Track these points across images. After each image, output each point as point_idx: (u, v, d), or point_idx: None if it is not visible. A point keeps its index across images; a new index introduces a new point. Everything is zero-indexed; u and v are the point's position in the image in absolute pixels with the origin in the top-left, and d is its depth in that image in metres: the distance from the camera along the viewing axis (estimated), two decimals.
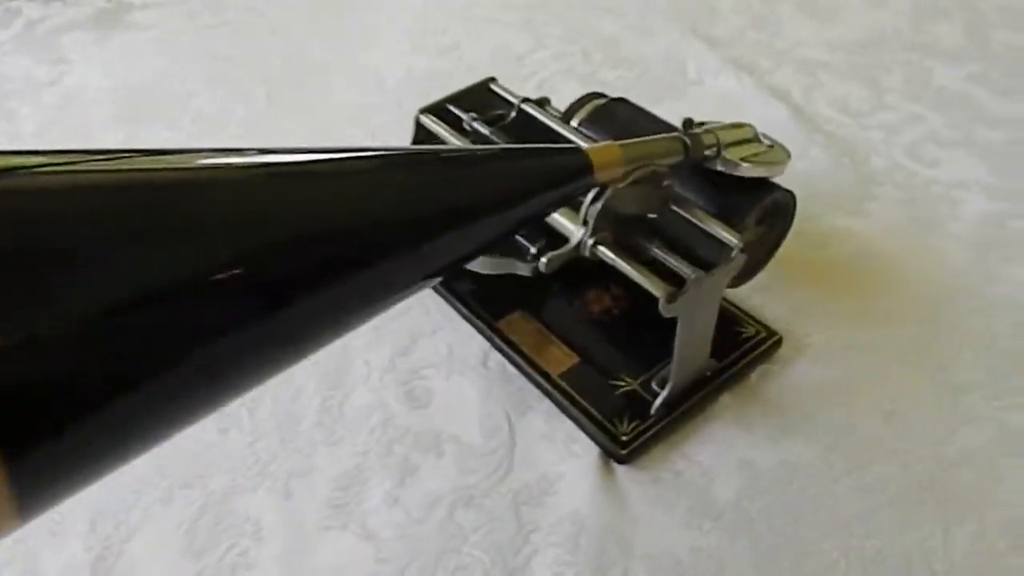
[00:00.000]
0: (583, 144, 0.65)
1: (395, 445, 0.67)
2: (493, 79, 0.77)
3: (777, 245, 0.71)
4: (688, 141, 0.60)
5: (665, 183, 0.61)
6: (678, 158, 0.60)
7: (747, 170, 0.63)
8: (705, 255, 0.63)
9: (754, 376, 0.70)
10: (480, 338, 0.74)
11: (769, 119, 0.96)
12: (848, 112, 0.99)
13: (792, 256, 0.79)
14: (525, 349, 0.71)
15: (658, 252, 0.60)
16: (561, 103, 0.76)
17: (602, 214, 0.58)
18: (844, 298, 0.77)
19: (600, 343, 0.72)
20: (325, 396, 0.71)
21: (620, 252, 0.58)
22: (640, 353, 0.70)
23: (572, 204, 0.61)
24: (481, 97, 0.76)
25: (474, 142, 0.72)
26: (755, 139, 0.65)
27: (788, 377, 0.70)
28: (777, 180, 0.66)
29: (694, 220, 0.61)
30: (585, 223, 0.59)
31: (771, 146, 0.66)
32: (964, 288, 0.77)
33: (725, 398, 0.68)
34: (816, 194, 0.87)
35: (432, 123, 0.73)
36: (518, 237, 0.67)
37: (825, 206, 0.86)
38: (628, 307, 0.74)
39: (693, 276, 0.57)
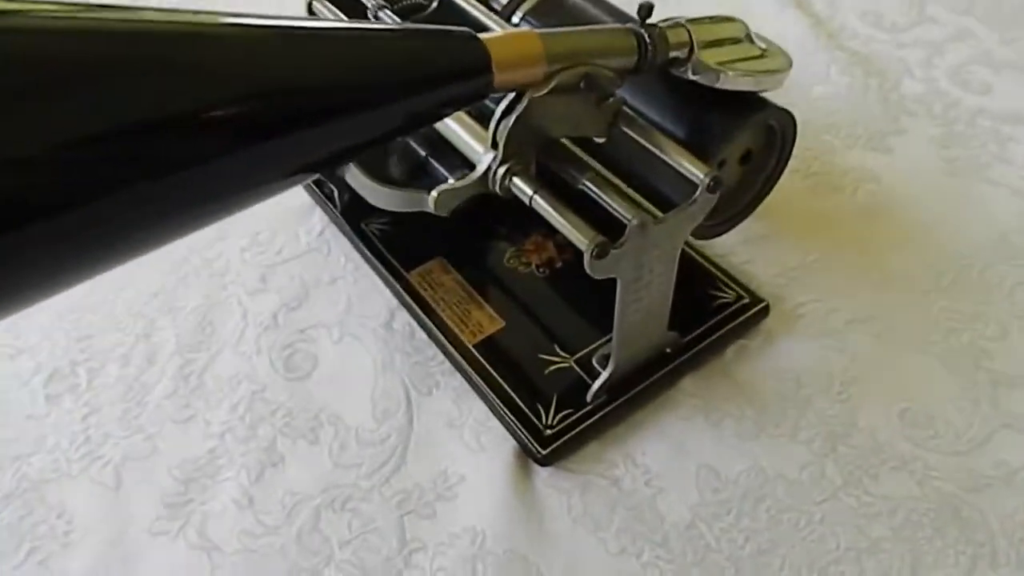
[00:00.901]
0: (497, 29, 0.48)
1: (261, 425, 0.52)
2: None
3: (769, 185, 0.54)
4: (645, 36, 0.43)
5: (612, 96, 0.44)
6: (629, 60, 0.43)
7: (729, 80, 0.46)
8: (663, 194, 0.47)
9: (729, 354, 0.55)
10: (388, 292, 0.59)
11: (782, 32, 0.78)
12: (881, 26, 0.80)
13: (791, 201, 0.62)
14: (438, 308, 0.56)
15: (590, 187, 0.43)
16: None
17: (516, 133, 0.42)
18: (853, 258, 0.60)
19: (535, 305, 0.56)
20: (185, 360, 0.56)
21: (542, 188, 0.42)
22: (584, 320, 0.55)
23: (481, 119, 0.45)
24: None
25: None
26: (745, 40, 0.48)
27: (772, 357, 0.54)
28: (773, 98, 0.49)
29: (649, 147, 0.45)
30: (494, 145, 0.43)
31: (765, 50, 0.49)
32: (1011, 251, 0.60)
33: (687, 383, 0.53)
34: (831, 124, 0.70)
35: (326, 10, 0.56)
36: (436, 165, 0.52)
37: (841, 139, 0.69)
38: (576, 259, 0.58)
39: (635, 221, 0.41)
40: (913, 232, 0.62)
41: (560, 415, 0.50)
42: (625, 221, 0.42)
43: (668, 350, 0.53)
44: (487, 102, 0.43)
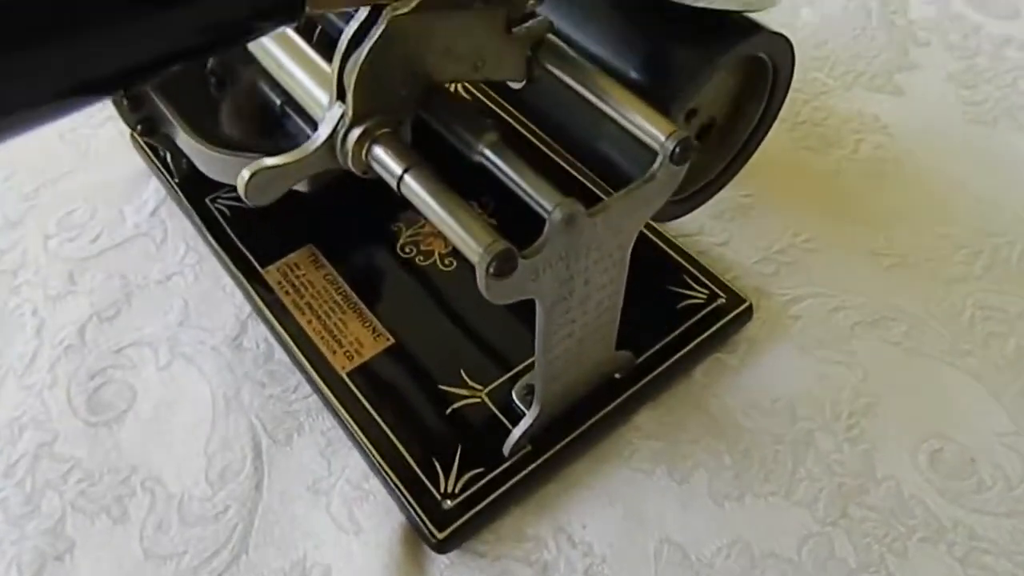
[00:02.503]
0: None
1: (45, 495, 0.37)
2: None
3: (754, 141, 0.40)
4: None
5: (530, 17, 0.29)
6: None
7: None
8: (608, 164, 0.32)
9: (699, 375, 0.40)
10: (238, 294, 0.43)
11: None
12: None
13: (776, 159, 0.48)
14: (303, 319, 0.41)
15: (490, 159, 0.28)
16: None
17: (374, 74, 0.26)
18: (857, 235, 0.46)
19: (436, 313, 0.41)
20: None
21: (418, 163, 0.27)
22: (504, 335, 0.40)
23: (329, 48, 0.29)
24: None
25: None
26: None
27: (757, 377, 0.40)
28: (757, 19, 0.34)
29: (586, 94, 0.30)
30: (341, 95, 0.27)
31: None
32: None
33: (644, 419, 0.39)
34: (823, 58, 0.55)
35: None
36: (296, 119, 0.36)
37: (837, 78, 0.54)
38: None
39: (556, 214, 0.26)
40: (932, 199, 0.48)
41: (466, 476, 0.35)
42: (542, 212, 0.26)
43: (617, 375, 0.38)
44: (333, 19, 0.27)
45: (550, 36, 0.30)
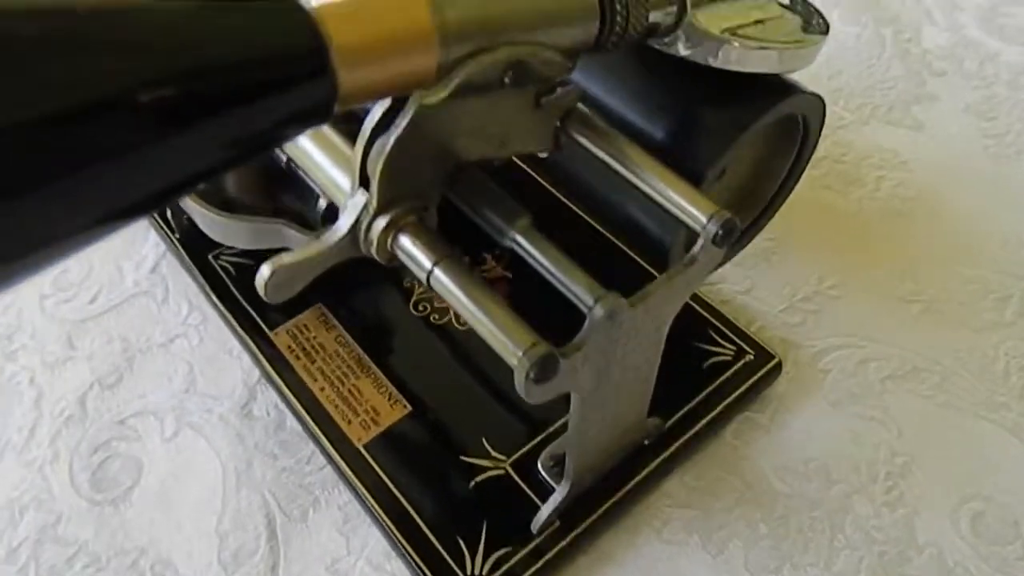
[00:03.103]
0: None
1: None
2: None
3: (784, 193, 0.38)
4: None
5: (559, 87, 0.27)
6: (585, 31, 0.26)
7: (738, 56, 0.29)
8: (645, 233, 0.31)
9: (729, 435, 0.39)
10: (246, 358, 0.42)
11: None
12: None
13: (797, 200, 0.46)
14: (315, 386, 0.39)
15: (523, 246, 0.26)
16: None
17: (400, 162, 0.24)
18: (882, 279, 0.45)
19: (454, 377, 0.40)
20: None
21: (448, 255, 0.25)
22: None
23: (348, 124, 0.27)
24: None
25: None
26: None
27: (789, 437, 0.39)
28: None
29: (617, 167, 0.28)
30: (364, 182, 0.25)
31: (789, 4, 0.32)
32: None
33: (674, 486, 0.37)
34: (839, 90, 0.54)
35: None
36: (304, 178, 0.35)
37: (854, 111, 0.53)
38: (512, 296, 0.41)
39: (599, 311, 0.25)
40: (957, 239, 0.46)
41: (493, 557, 0.34)
42: (580, 307, 0.25)
43: (647, 441, 0.37)
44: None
45: (579, 105, 0.28)
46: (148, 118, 0.17)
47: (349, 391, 0.39)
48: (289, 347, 0.40)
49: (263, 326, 0.41)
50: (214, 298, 0.42)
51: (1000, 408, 0.40)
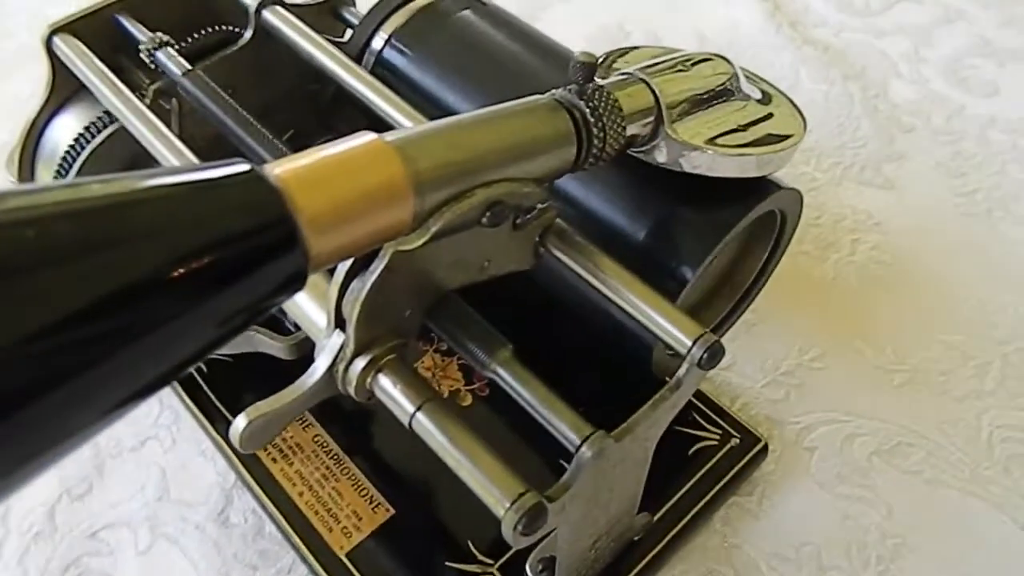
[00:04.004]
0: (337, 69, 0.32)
1: None
2: None
3: (760, 282, 0.38)
4: (587, 112, 0.26)
5: (539, 211, 0.27)
6: (562, 156, 0.26)
7: (717, 163, 0.29)
8: (626, 346, 0.30)
9: (718, 522, 0.38)
10: (220, 459, 0.40)
11: (733, 22, 0.61)
12: (852, 7, 0.64)
13: (775, 272, 0.46)
14: (293, 491, 0.38)
15: (504, 378, 0.26)
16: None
17: (377, 303, 0.23)
18: (863, 348, 0.45)
19: (434, 473, 0.39)
20: None
21: (432, 398, 0.24)
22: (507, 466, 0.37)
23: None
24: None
25: (159, 91, 0.36)
26: (732, 88, 0.31)
27: (777, 520, 0.39)
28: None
29: (596, 283, 0.27)
30: (340, 323, 0.24)
31: (764, 99, 0.32)
32: None
33: None
34: (809, 150, 0.54)
35: (74, 55, 0.35)
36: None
37: (825, 171, 0.53)
38: (496, 389, 0.41)
39: (587, 453, 0.24)
40: (934, 304, 0.46)
41: None
42: (568, 447, 0.24)
43: (636, 537, 0.36)
44: None
45: (558, 221, 0.28)
46: (123, 319, 0.16)
47: (329, 494, 0.38)
48: (265, 448, 0.39)
49: None
50: (185, 398, 0.41)
51: (987, 483, 0.40)
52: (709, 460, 0.39)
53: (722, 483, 0.38)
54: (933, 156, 0.53)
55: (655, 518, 0.37)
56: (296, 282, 0.19)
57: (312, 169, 0.19)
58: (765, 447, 0.40)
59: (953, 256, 0.49)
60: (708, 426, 0.40)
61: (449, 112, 0.37)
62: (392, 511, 0.37)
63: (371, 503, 0.37)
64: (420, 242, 0.22)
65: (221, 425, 0.40)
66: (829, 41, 0.61)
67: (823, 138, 0.54)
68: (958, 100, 0.57)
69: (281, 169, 0.19)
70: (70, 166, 0.37)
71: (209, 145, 0.36)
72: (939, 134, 0.55)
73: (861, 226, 0.50)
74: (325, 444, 0.39)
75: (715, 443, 0.39)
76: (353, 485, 0.38)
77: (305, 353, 0.36)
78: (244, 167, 0.18)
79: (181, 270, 0.17)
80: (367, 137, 0.21)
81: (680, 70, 0.29)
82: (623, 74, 0.28)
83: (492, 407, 0.40)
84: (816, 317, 0.46)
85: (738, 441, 0.39)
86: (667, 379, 0.32)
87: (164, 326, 0.17)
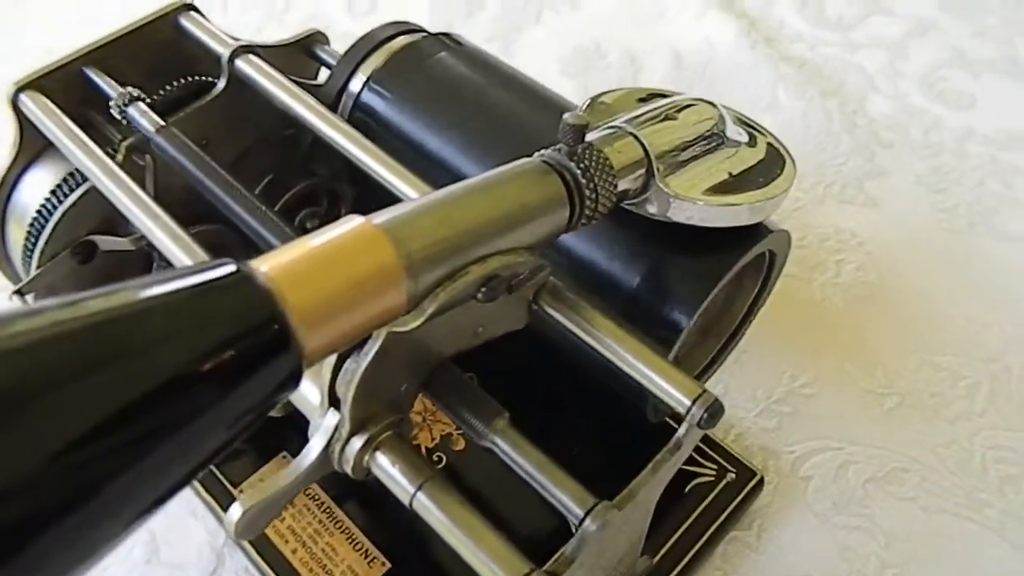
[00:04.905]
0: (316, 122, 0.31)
1: None
2: (189, 6, 0.39)
3: (749, 319, 0.38)
4: (578, 174, 0.25)
5: (535, 271, 0.26)
6: (555, 220, 0.25)
7: (709, 214, 0.28)
8: (624, 404, 0.30)
9: (717, 560, 0.38)
10: (211, 520, 0.39)
11: (709, 41, 0.61)
12: (826, 22, 0.64)
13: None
14: (286, 549, 0.37)
15: (502, 449, 0.25)
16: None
17: (373, 382, 0.23)
18: (853, 373, 0.45)
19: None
20: None
21: (432, 475, 0.24)
22: (511, 538, 0.37)
23: None
24: (158, 48, 0.38)
25: (132, 148, 0.35)
26: (717, 135, 0.31)
27: (777, 554, 0.38)
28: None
29: (589, 340, 0.27)
30: (333, 401, 0.24)
31: (751, 144, 0.31)
32: None
33: None
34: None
35: (42, 113, 0.34)
36: None
37: (807, 191, 0.53)
38: None
39: (591, 526, 0.23)
40: (920, 323, 0.47)
41: None
42: (571, 520, 0.24)
43: None
44: None
45: (551, 279, 0.27)
46: (128, 434, 0.16)
47: (323, 550, 0.37)
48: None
49: (225, 483, 0.39)
50: None
51: (983, 506, 0.40)
52: (706, 497, 0.39)
53: (720, 520, 0.38)
54: (913, 171, 0.54)
55: (655, 559, 0.36)
56: (293, 380, 0.19)
57: (300, 262, 0.19)
58: (761, 480, 0.39)
59: (937, 273, 0.49)
60: (704, 461, 0.40)
61: (430, 157, 0.36)
62: (388, 565, 0.36)
63: (366, 557, 0.37)
64: (416, 324, 0.22)
65: (211, 485, 0.39)
66: (805, 57, 0.61)
67: (804, 157, 0.54)
68: (935, 113, 0.57)
69: (268, 266, 0.18)
70: (43, 226, 0.36)
71: (186, 198, 0.35)
72: (918, 148, 0.55)
73: (845, 245, 0.50)
74: (317, 497, 0.38)
75: (711, 479, 0.39)
76: (347, 539, 0.37)
77: (292, 410, 0.35)
78: (231, 268, 0.18)
79: (182, 381, 0.17)
80: (355, 222, 0.20)
81: (668, 119, 0.29)
82: (611, 128, 0.27)
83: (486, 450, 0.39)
84: (804, 342, 0.46)
85: (734, 476, 0.39)
86: (665, 420, 0.32)
87: (173, 436, 0.17)
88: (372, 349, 0.22)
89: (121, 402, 0.16)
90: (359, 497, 0.39)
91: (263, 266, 0.18)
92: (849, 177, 0.53)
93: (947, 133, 0.56)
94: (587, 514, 0.23)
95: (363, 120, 0.38)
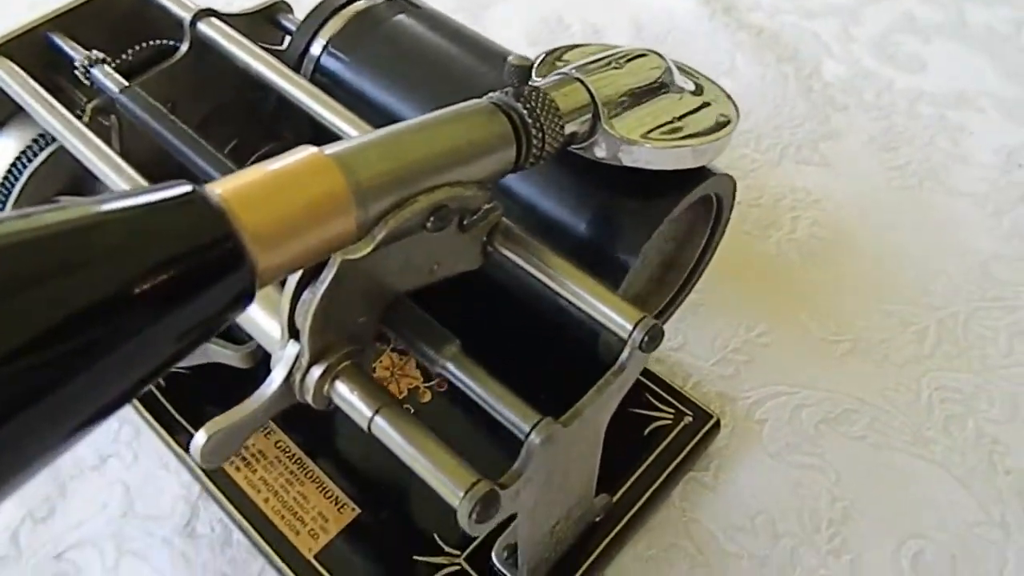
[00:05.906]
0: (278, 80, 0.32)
1: None
2: None
3: (699, 268, 0.39)
4: (524, 114, 0.26)
5: (485, 212, 0.27)
6: (502, 158, 0.26)
7: (655, 156, 0.30)
8: (574, 335, 0.31)
9: (676, 498, 0.40)
10: (184, 472, 0.40)
11: (668, 9, 0.62)
12: None
13: (721, 248, 0.47)
14: (258, 498, 0.38)
15: (454, 374, 0.26)
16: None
17: (329, 312, 0.24)
18: (807, 322, 0.46)
19: (397, 470, 0.39)
20: None
21: (389, 402, 0.25)
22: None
23: None
24: (122, 13, 0.39)
25: (97, 109, 0.35)
26: (664, 83, 0.32)
27: (733, 492, 0.40)
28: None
29: (541, 277, 0.28)
30: (294, 334, 0.25)
31: (697, 92, 0.33)
32: (994, 286, 0.48)
33: (629, 559, 0.38)
34: (748, 131, 0.55)
35: (8, 76, 0.35)
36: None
37: (764, 152, 0.54)
38: (453, 389, 0.41)
39: (536, 439, 0.25)
40: (872, 274, 0.48)
41: None
42: (518, 435, 0.25)
43: (597, 518, 0.37)
44: None
45: (504, 220, 0.29)
46: (80, 341, 0.17)
47: (294, 499, 0.38)
48: (228, 459, 0.39)
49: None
50: (145, 412, 0.41)
51: (929, 443, 0.41)
52: (664, 439, 0.40)
53: (678, 460, 0.39)
54: (866, 132, 0.55)
55: (614, 499, 0.38)
56: (245, 297, 0.20)
57: (254, 186, 0.20)
58: (718, 423, 0.41)
59: (889, 227, 0.50)
60: (662, 406, 0.41)
61: (391, 117, 0.37)
62: (358, 510, 0.38)
63: (336, 504, 0.38)
64: (367, 250, 0.23)
65: (183, 437, 0.40)
66: (763, 25, 0.62)
67: (761, 120, 0.56)
68: (887, 76, 0.59)
69: (223, 188, 0.19)
70: (11, 187, 0.36)
71: (152, 159, 0.36)
72: (870, 110, 0.57)
73: (800, 204, 0.52)
74: (287, 449, 0.40)
75: (669, 422, 0.41)
76: (318, 487, 0.38)
77: (260, 360, 0.36)
78: (186, 188, 0.19)
79: (133, 293, 0.17)
80: (307, 151, 0.21)
81: (615, 67, 0.30)
82: (558, 74, 0.29)
83: (451, 401, 0.41)
84: (761, 294, 0.47)
85: (691, 419, 0.41)
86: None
87: (121, 346, 0.18)
88: (327, 277, 0.23)
89: (68, 311, 0.17)
90: (329, 449, 0.40)
91: (218, 188, 0.19)
92: (805, 139, 0.55)
93: (898, 95, 0.57)
94: (532, 428, 0.25)
95: (325, 83, 0.39)
